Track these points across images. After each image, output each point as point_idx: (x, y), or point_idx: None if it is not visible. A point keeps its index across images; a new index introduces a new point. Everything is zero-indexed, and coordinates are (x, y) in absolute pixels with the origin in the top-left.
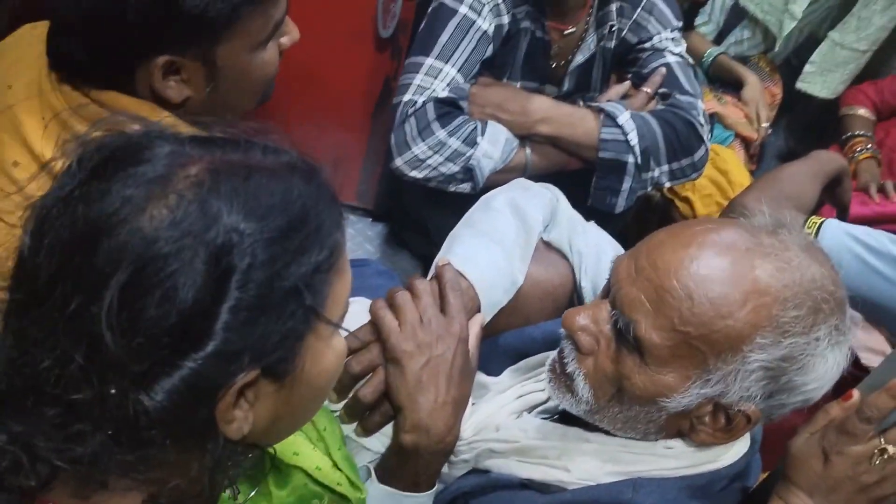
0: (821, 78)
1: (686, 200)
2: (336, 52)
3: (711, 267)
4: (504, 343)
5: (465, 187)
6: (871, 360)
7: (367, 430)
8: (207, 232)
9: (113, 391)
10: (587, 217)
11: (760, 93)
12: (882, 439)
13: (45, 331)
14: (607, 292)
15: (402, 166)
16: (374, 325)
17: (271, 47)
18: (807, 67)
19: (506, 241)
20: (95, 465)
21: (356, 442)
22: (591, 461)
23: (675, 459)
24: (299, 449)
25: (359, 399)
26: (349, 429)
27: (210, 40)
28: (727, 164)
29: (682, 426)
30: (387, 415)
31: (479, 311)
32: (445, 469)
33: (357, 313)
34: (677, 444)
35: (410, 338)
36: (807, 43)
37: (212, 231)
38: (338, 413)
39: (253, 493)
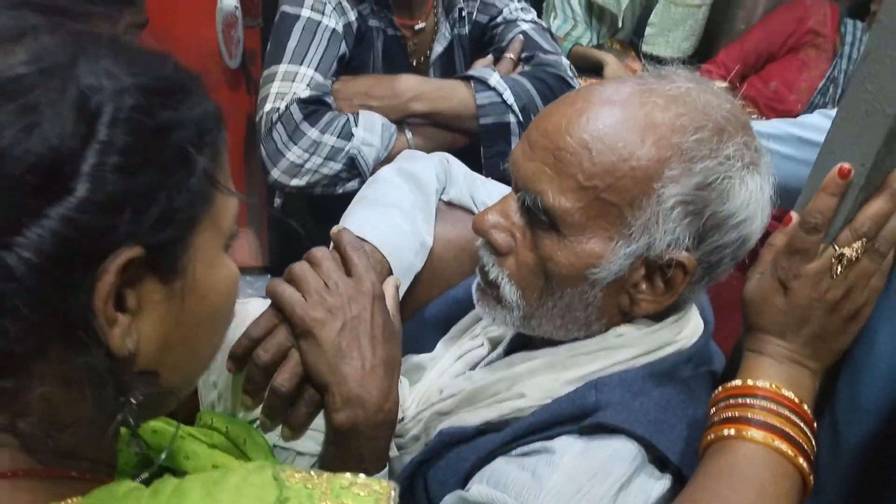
0: (663, 38)
1: None
2: None
3: (602, 115)
4: (430, 315)
5: (354, 185)
6: None
7: (295, 428)
8: (71, 71)
9: None
10: None
11: (621, 69)
12: (835, 246)
13: None
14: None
15: (279, 178)
16: (276, 305)
17: None
18: (648, 30)
19: (403, 204)
20: None
21: (288, 449)
22: (544, 377)
23: (629, 349)
24: (219, 461)
25: (276, 391)
26: (275, 436)
27: None
28: None
29: (622, 303)
30: (312, 401)
31: (391, 274)
32: (396, 452)
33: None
34: (627, 329)
35: (318, 304)
36: (645, 14)
37: (75, 72)
38: (258, 424)
39: (164, 455)
